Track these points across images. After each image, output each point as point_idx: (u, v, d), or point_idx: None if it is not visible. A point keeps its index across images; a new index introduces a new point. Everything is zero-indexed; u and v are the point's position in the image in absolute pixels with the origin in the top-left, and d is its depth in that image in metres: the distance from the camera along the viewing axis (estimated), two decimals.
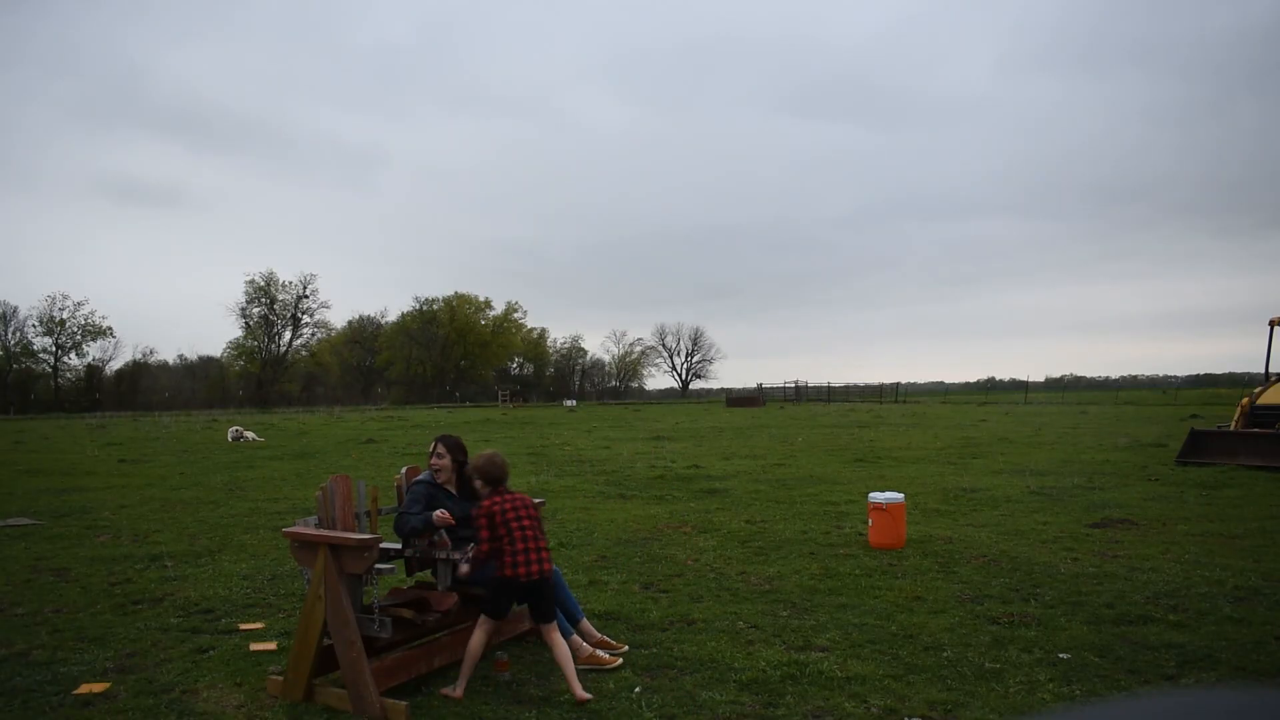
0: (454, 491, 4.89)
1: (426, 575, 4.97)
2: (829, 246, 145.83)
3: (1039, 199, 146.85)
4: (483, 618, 4.29)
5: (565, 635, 4.57)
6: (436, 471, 4.86)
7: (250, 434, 24.76)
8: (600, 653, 4.55)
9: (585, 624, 4.79)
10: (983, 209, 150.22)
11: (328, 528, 4.30)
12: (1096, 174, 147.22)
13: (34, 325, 73.62)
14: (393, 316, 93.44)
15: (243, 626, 5.33)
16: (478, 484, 4.47)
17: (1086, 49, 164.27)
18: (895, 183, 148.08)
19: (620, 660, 4.54)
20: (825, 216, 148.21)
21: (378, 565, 4.13)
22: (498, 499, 4.34)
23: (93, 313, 77.81)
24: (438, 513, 4.56)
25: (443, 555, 4.60)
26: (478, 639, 4.23)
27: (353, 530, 4.40)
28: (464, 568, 4.45)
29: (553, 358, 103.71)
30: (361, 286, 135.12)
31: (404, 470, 5.04)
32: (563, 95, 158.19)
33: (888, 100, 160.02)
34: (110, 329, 76.43)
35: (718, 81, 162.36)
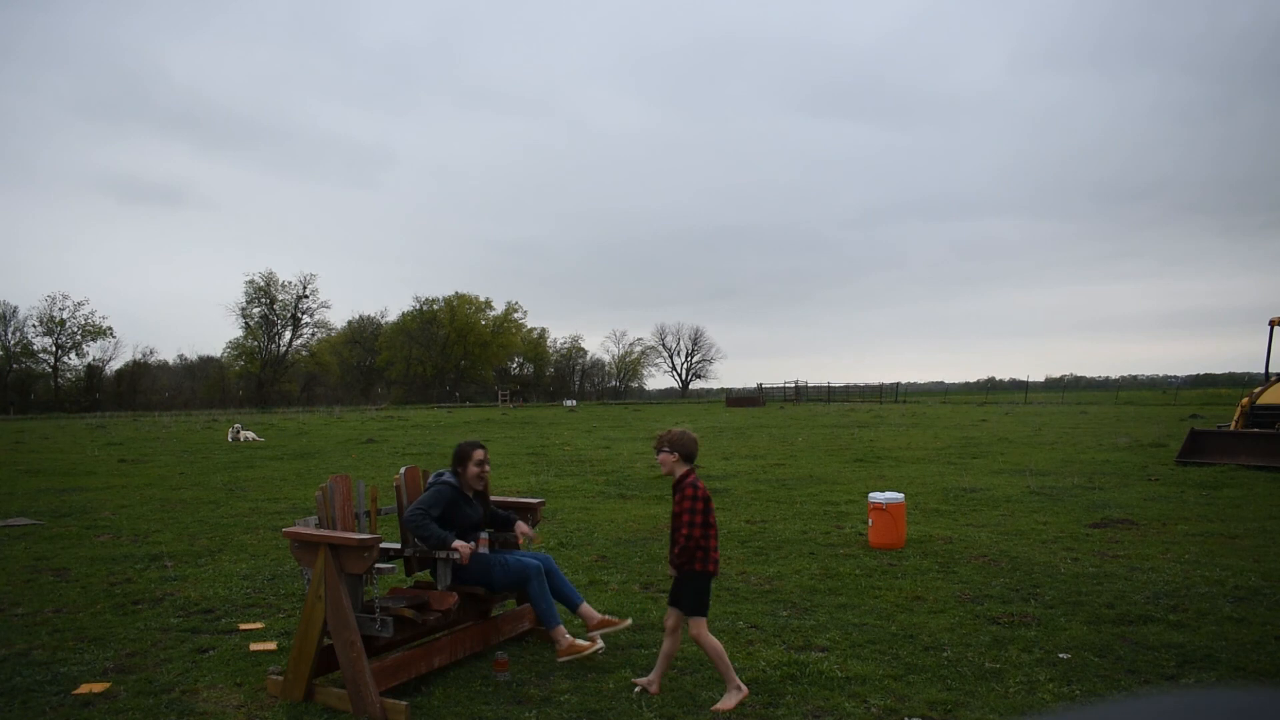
0: (470, 496, 4.88)
1: (426, 575, 4.97)
2: (833, 246, 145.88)
3: (1046, 198, 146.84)
4: (695, 619, 4.06)
5: (553, 624, 4.57)
6: (477, 479, 4.80)
7: (249, 434, 24.69)
8: (579, 641, 4.55)
9: (586, 607, 4.81)
10: (990, 208, 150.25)
11: (327, 528, 4.30)
12: (1104, 173, 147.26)
13: (34, 325, 73.62)
14: (393, 316, 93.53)
15: (243, 626, 5.33)
16: (673, 457, 4.15)
17: (1097, 47, 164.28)
18: (904, 182, 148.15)
19: (600, 645, 4.55)
20: (832, 216, 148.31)
21: (377, 565, 4.12)
22: (700, 483, 4.14)
23: (93, 313, 78.00)
24: (461, 548, 4.48)
25: (442, 555, 4.60)
26: (708, 638, 4.05)
27: (352, 530, 4.40)
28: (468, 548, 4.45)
29: (553, 358, 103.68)
30: (361, 286, 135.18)
31: (403, 470, 5.03)
32: (571, 94, 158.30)
33: (900, 99, 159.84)
34: (110, 329, 76.44)
35: (729, 81, 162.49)
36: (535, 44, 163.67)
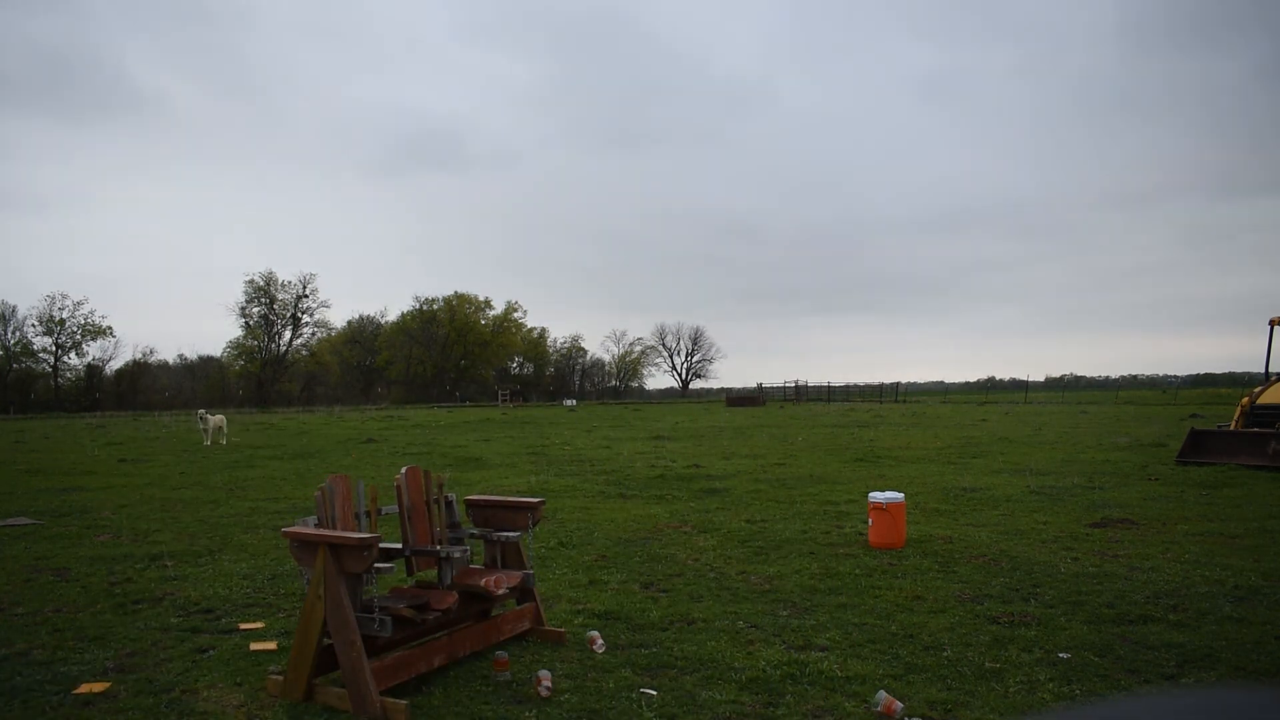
0: None
1: (428, 574, 4.97)
2: (835, 246, 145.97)
3: (1049, 197, 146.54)
4: None
5: None
6: None
7: (218, 418, 23.42)
8: None
9: None
10: (994, 208, 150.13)
11: (327, 528, 4.30)
12: (1106, 172, 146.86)
13: (34, 325, 73.73)
14: (393, 316, 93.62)
15: (243, 626, 5.32)
16: None
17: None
18: (908, 181, 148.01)
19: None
20: (835, 215, 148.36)
21: (376, 564, 4.12)
22: None
23: (92, 312, 78.13)
24: None
25: (443, 554, 4.60)
26: None
27: (352, 530, 4.40)
28: None
29: (553, 357, 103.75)
30: (361, 286, 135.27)
31: (404, 470, 5.03)
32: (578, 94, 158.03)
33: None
34: (110, 329, 76.56)
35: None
36: (538, 42, 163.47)
